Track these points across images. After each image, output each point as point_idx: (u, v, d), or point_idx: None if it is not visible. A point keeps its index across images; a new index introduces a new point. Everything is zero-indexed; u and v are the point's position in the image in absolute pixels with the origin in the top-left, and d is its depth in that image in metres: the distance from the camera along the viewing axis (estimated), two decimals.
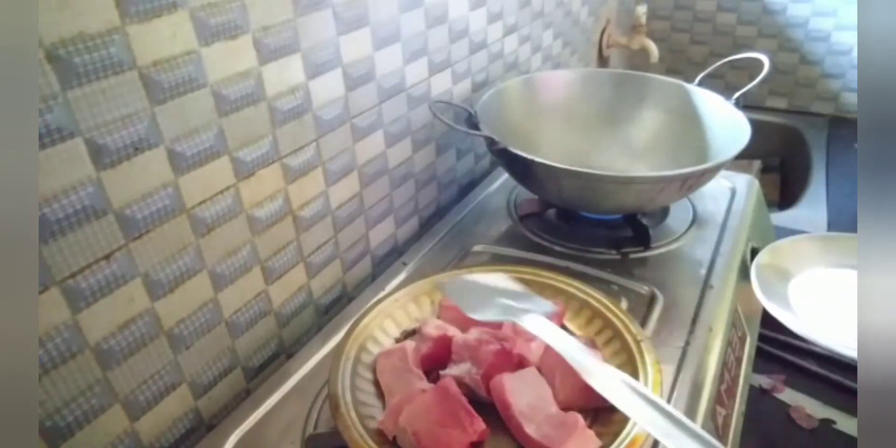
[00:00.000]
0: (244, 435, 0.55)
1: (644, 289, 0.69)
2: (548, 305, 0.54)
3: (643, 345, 0.54)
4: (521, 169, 0.73)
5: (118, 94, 0.42)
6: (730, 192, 0.88)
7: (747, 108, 0.79)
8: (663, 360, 0.55)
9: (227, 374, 0.59)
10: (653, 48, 1.47)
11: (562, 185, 0.72)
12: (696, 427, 0.40)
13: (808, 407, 0.92)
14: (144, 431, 0.51)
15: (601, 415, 0.51)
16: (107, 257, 0.44)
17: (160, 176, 0.47)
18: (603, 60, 1.52)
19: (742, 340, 0.71)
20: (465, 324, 0.57)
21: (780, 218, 1.25)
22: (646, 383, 0.51)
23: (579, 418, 0.48)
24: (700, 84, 0.87)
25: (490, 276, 0.59)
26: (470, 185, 0.95)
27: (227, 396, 0.59)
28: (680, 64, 1.82)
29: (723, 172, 0.75)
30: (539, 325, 0.50)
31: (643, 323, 0.63)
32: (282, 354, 0.66)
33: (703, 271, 0.72)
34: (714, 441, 0.39)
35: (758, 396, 0.94)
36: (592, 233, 0.79)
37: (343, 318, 0.67)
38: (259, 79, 0.53)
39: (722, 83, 1.68)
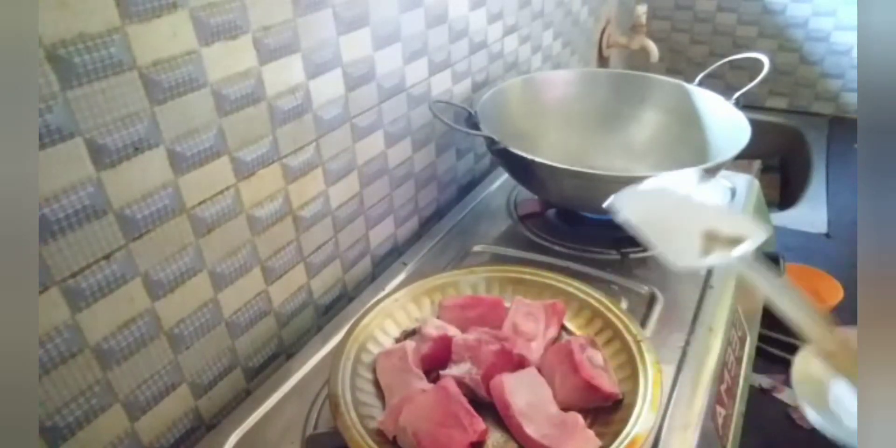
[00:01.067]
0: (244, 435, 0.55)
1: (644, 289, 0.69)
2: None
3: (643, 345, 0.54)
4: (521, 169, 0.73)
5: (118, 94, 0.42)
6: (730, 192, 0.88)
7: (747, 108, 0.79)
8: (663, 360, 0.55)
9: (227, 374, 0.59)
10: (653, 48, 1.47)
11: (562, 185, 0.72)
12: None
13: None
14: (144, 431, 0.51)
15: (601, 415, 0.51)
16: (107, 257, 0.44)
17: (160, 176, 0.47)
18: (603, 60, 1.52)
19: (742, 340, 0.71)
20: (465, 324, 0.58)
21: (780, 218, 1.25)
22: (646, 383, 0.51)
23: (579, 418, 0.48)
24: (700, 84, 0.87)
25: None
26: (470, 185, 0.95)
27: (227, 396, 0.59)
28: (680, 64, 1.82)
29: (723, 172, 0.74)
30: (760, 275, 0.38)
31: (643, 323, 0.63)
32: (282, 354, 0.66)
33: (703, 271, 0.72)
34: None
35: (758, 396, 0.94)
36: (592, 233, 0.79)
37: (343, 318, 0.67)
38: (259, 79, 0.53)
39: (722, 83, 1.68)
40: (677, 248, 0.39)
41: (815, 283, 1.07)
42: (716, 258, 0.38)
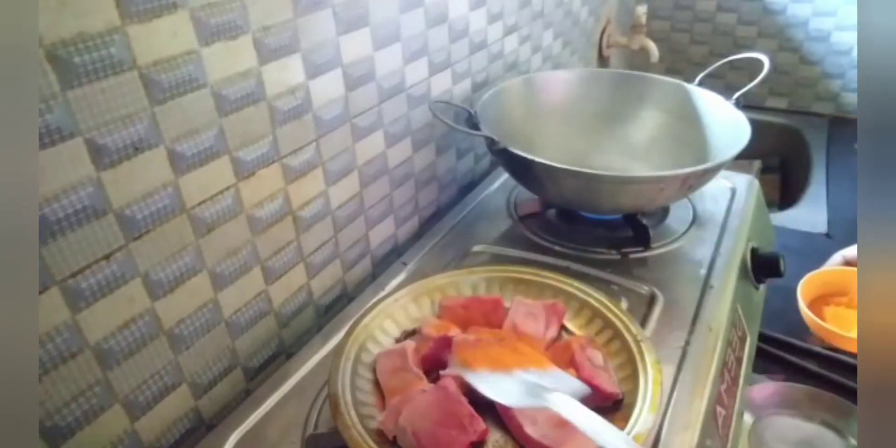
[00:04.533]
0: (244, 435, 0.55)
1: (644, 289, 0.69)
2: (575, 383, 0.49)
3: (643, 345, 0.54)
4: (521, 169, 0.73)
5: (118, 94, 0.42)
6: (730, 192, 0.88)
7: (747, 108, 0.79)
8: (663, 360, 0.55)
9: (227, 374, 0.59)
10: (653, 48, 1.47)
11: (562, 185, 0.72)
12: None
13: None
14: (144, 431, 0.51)
15: (601, 415, 0.50)
16: (107, 257, 0.44)
17: (160, 176, 0.47)
18: (603, 60, 1.52)
19: (742, 340, 0.71)
20: (465, 324, 0.58)
21: (780, 218, 1.25)
22: (646, 383, 0.51)
23: None
24: (700, 84, 0.87)
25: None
26: (470, 185, 0.95)
27: (227, 396, 0.59)
28: (680, 64, 1.82)
29: (723, 172, 0.74)
30: (566, 405, 0.45)
31: (643, 323, 0.63)
32: (282, 354, 0.66)
33: (703, 271, 0.72)
34: None
35: None
36: (592, 233, 0.79)
37: (343, 318, 0.67)
38: (259, 79, 0.53)
39: (722, 83, 1.68)
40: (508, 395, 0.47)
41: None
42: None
